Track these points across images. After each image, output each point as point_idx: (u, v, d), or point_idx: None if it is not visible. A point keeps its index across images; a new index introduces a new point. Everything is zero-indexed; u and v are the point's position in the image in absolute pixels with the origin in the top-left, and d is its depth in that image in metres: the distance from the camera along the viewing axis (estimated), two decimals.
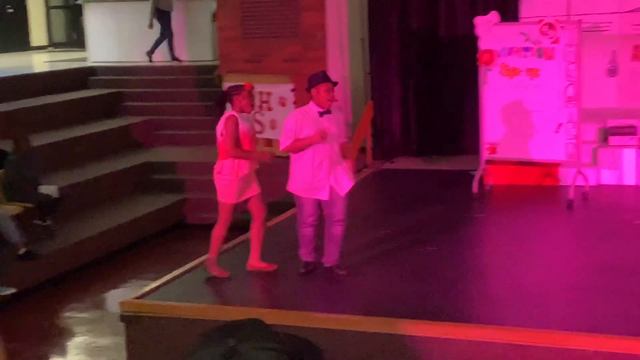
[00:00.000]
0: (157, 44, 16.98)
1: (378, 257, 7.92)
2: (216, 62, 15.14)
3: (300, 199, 7.15)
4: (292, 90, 12.75)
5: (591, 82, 11.11)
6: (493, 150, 10.22)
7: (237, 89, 7.14)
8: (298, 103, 12.76)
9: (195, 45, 17.27)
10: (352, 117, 13.62)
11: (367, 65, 12.96)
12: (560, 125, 9.74)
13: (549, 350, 5.66)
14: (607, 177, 10.33)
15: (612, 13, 11.58)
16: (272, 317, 5.93)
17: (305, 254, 7.41)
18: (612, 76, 11.73)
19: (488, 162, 10.31)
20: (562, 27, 9.65)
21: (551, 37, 9.67)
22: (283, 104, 12.88)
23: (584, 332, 5.83)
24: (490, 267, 7.73)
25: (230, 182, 7.14)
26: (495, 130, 10.18)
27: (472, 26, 10.28)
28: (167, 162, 13.39)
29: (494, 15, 10.13)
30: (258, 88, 13.11)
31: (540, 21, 9.77)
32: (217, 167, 7.23)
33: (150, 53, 16.96)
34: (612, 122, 10.60)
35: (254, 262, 7.53)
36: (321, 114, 6.96)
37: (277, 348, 1.94)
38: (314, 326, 6.09)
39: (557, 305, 6.51)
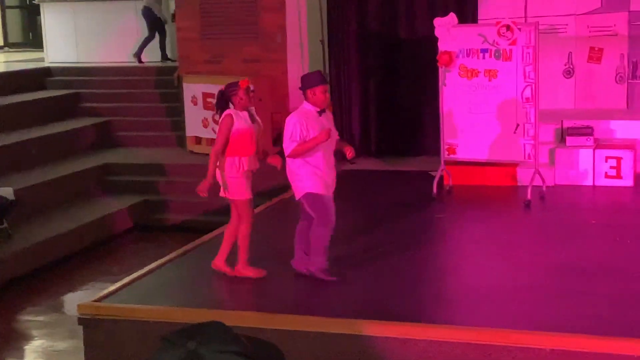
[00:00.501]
0: (144, 44, 16.77)
1: (337, 258, 7.93)
2: (176, 63, 15.08)
3: (323, 198, 6.96)
4: (252, 91, 12.71)
5: (548, 83, 11.25)
6: (452, 151, 10.29)
7: (232, 87, 7.10)
8: (258, 104, 12.75)
9: (152, 46, 17.15)
10: None
11: (326, 66, 12.98)
12: (518, 126, 9.83)
13: (508, 349, 5.71)
14: (564, 177, 10.45)
15: (568, 15, 11.73)
16: (233, 319, 5.92)
17: (326, 261, 7.12)
18: (569, 77, 11.88)
19: (447, 162, 10.38)
20: (519, 28, 9.74)
21: (509, 39, 9.76)
22: None
23: (541, 331, 5.89)
24: (450, 267, 7.79)
25: (236, 178, 7.07)
26: (455, 131, 10.25)
27: (431, 28, 10.33)
28: (127, 164, 13.29)
29: (452, 17, 10.19)
30: (217, 89, 13.07)
31: (498, 23, 9.85)
32: (219, 164, 7.13)
33: (138, 55, 16.71)
34: (569, 123, 10.73)
35: (219, 262, 7.44)
36: (320, 113, 6.94)
37: (238, 351, 1.93)
38: (276, 328, 6.10)
39: (515, 304, 6.58)
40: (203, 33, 13.92)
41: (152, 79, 15.87)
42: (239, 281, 7.38)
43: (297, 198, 7.08)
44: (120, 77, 15.99)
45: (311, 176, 6.92)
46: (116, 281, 7.58)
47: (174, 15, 15.74)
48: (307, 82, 6.95)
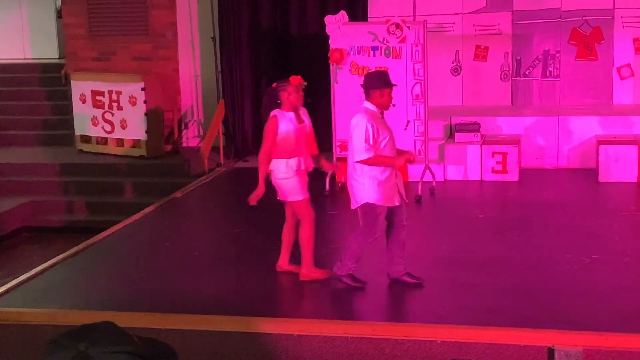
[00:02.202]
0: None
1: (231, 256, 7.91)
2: (63, 60, 14.74)
3: (377, 209, 6.61)
4: (143, 89, 12.55)
5: (437, 80, 11.48)
6: (345, 148, 10.36)
7: (282, 84, 6.81)
8: (149, 102, 12.58)
9: (38, 42, 16.72)
10: (203, 116, 13.56)
11: (218, 64, 12.91)
12: (408, 122, 10.00)
13: (400, 342, 5.79)
14: (453, 173, 10.68)
15: (455, 14, 12.00)
16: (124, 319, 5.82)
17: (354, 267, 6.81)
18: (456, 75, 12.16)
19: (340, 159, 10.46)
20: (408, 27, 9.90)
21: (398, 37, 9.91)
22: (133, 103, 12.66)
23: (432, 324, 6.01)
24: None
25: (287, 179, 6.79)
26: (347, 127, 10.32)
27: (322, 25, 10.41)
28: (11, 164, 12.89)
29: (342, 15, 10.28)
30: (107, 87, 12.86)
31: (388, 21, 9.99)
32: (270, 167, 6.85)
33: None
34: (457, 120, 10.97)
35: (283, 263, 7.18)
36: (382, 115, 6.64)
37: (130, 351, 1.90)
38: (168, 327, 6.03)
39: (406, 298, 6.69)
40: (91, 30, 13.65)
41: (38, 76, 15.46)
42: (129, 281, 7.27)
43: (353, 207, 6.71)
44: (6, 74, 15.51)
45: (374, 185, 6.54)
46: (2, 284, 7.35)
47: (60, 11, 15.37)
48: (377, 83, 6.56)
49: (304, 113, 7.00)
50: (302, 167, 6.85)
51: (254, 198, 6.85)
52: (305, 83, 6.92)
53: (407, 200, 6.82)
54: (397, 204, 6.63)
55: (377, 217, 6.59)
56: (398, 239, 6.78)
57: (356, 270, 6.75)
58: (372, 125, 6.45)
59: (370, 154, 6.45)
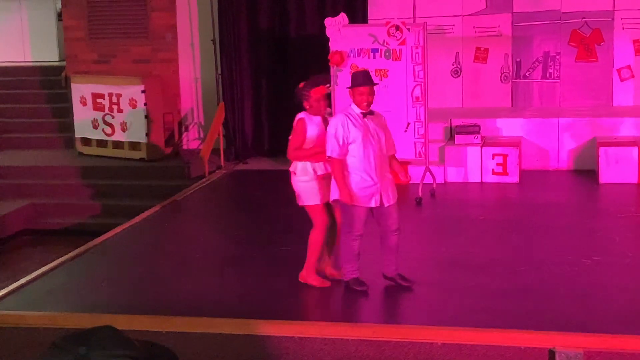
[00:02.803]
0: None
1: (232, 259, 7.91)
2: (63, 63, 14.74)
3: (352, 208, 6.62)
4: (143, 91, 12.56)
5: (437, 82, 11.48)
6: None
7: (306, 94, 6.73)
8: (149, 104, 12.59)
9: (39, 45, 16.73)
10: (203, 119, 13.56)
11: (218, 66, 12.91)
12: (409, 124, 10.00)
13: (400, 344, 5.79)
14: (453, 175, 10.68)
15: (455, 16, 12.00)
16: (124, 322, 5.82)
17: (355, 270, 6.77)
18: (456, 77, 12.16)
19: None
20: (408, 29, 9.90)
21: (398, 39, 9.91)
22: (134, 106, 12.67)
23: (432, 326, 6.00)
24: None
25: (306, 183, 6.74)
26: None
27: (321, 27, 10.41)
28: (12, 167, 12.89)
29: (342, 17, 10.28)
30: (107, 90, 12.86)
31: (388, 23, 9.99)
32: (291, 168, 6.85)
33: None
34: (457, 122, 10.97)
35: (328, 269, 7.08)
36: (364, 115, 6.62)
37: (130, 355, 1.90)
38: (168, 330, 6.02)
39: (406, 299, 6.68)
40: (91, 32, 13.66)
41: (38, 79, 15.46)
42: (130, 284, 7.27)
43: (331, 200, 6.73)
44: (6, 77, 15.52)
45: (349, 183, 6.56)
46: (2, 287, 7.35)
47: (60, 14, 15.38)
48: (350, 82, 6.70)
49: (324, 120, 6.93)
50: (324, 172, 6.77)
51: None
52: (329, 89, 6.88)
53: (390, 203, 6.63)
54: (373, 205, 6.56)
55: (352, 216, 6.56)
56: (387, 244, 6.73)
57: (361, 270, 6.72)
58: (343, 127, 6.48)
59: (331, 154, 6.49)
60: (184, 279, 7.32)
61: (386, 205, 6.59)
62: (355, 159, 6.51)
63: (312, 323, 6.15)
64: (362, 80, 6.61)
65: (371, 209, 6.58)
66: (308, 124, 6.75)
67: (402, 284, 6.77)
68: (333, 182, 6.60)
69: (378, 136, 6.59)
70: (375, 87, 6.73)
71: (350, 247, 6.62)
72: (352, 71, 7.61)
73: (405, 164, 8.79)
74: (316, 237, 6.81)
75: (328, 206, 6.81)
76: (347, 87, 6.74)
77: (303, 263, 6.90)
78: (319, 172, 6.72)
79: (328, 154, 6.53)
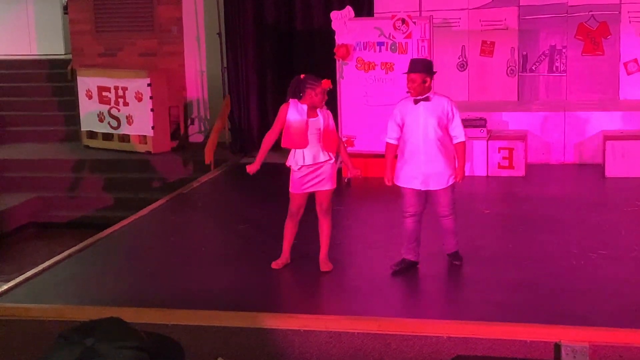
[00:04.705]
0: None
1: (238, 252, 7.92)
2: (69, 56, 14.75)
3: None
4: (149, 84, 12.56)
5: (443, 76, 11.43)
6: (350, 143, 10.38)
7: (313, 82, 6.82)
8: (155, 98, 12.60)
9: (45, 38, 16.75)
10: (209, 112, 13.57)
11: (224, 59, 12.91)
12: None
13: (407, 338, 5.79)
14: None
15: (461, 9, 11.97)
16: (131, 315, 5.83)
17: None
18: (462, 70, 12.14)
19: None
20: (414, 22, 9.89)
21: (404, 32, 9.90)
22: (140, 99, 12.68)
23: (438, 319, 6.01)
24: (347, 258, 7.84)
25: (292, 171, 6.96)
26: (352, 123, 10.34)
27: (327, 20, 10.40)
28: (19, 160, 12.93)
29: (348, 10, 10.28)
30: (113, 83, 12.87)
31: (394, 16, 9.98)
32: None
33: None
34: (463, 115, 10.92)
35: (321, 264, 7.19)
36: (416, 102, 6.88)
37: (137, 346, 1.91)
38: (174, 323, 6.04)
39: (413, 293, 6.69)
40: (97, 26, 13.67)
41: (45, 72, 15.48)
42: (136, 277, 7.28)
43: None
44: (12, 70, 15.55)
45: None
46: (9, 280, 7.37)
47: (66, 7, 15.39)
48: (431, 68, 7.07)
49: (327, 114, 6.97)
50: (310, 162, 6.83)
51: (248, 168, 7.13)
52: (331, 87, 7.02)
53: (437, 187, 6.91)
54: (418, 187, 6.89)
55: (402, 196, 7.03)
56: (441, 227, 7.15)
57: (417, 253, 7.05)
58: (400, 112, 6.91)
59: (386, 138, 7.02)
60: (189, 271, 7.34)
61: (432, 189, 6.88)
62: (403, 142, 6.87)
63: (317, 316, 6.15)
64: (407, 68, 6.97)
65: (423, 192, 6.91)
66: (291, 109, 6.84)
67: (453, 262, 7.11)
68: (332, 171, 6.91)
69: (426, 122, 6.79)
70: (413, 75, 6.91)
71: (404, 226, 7.02)
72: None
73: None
74: (286, 224, 7.14)
75: (315, 198, 7.00)
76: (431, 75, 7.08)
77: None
78: (307, 162, 6.85)
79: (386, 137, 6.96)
